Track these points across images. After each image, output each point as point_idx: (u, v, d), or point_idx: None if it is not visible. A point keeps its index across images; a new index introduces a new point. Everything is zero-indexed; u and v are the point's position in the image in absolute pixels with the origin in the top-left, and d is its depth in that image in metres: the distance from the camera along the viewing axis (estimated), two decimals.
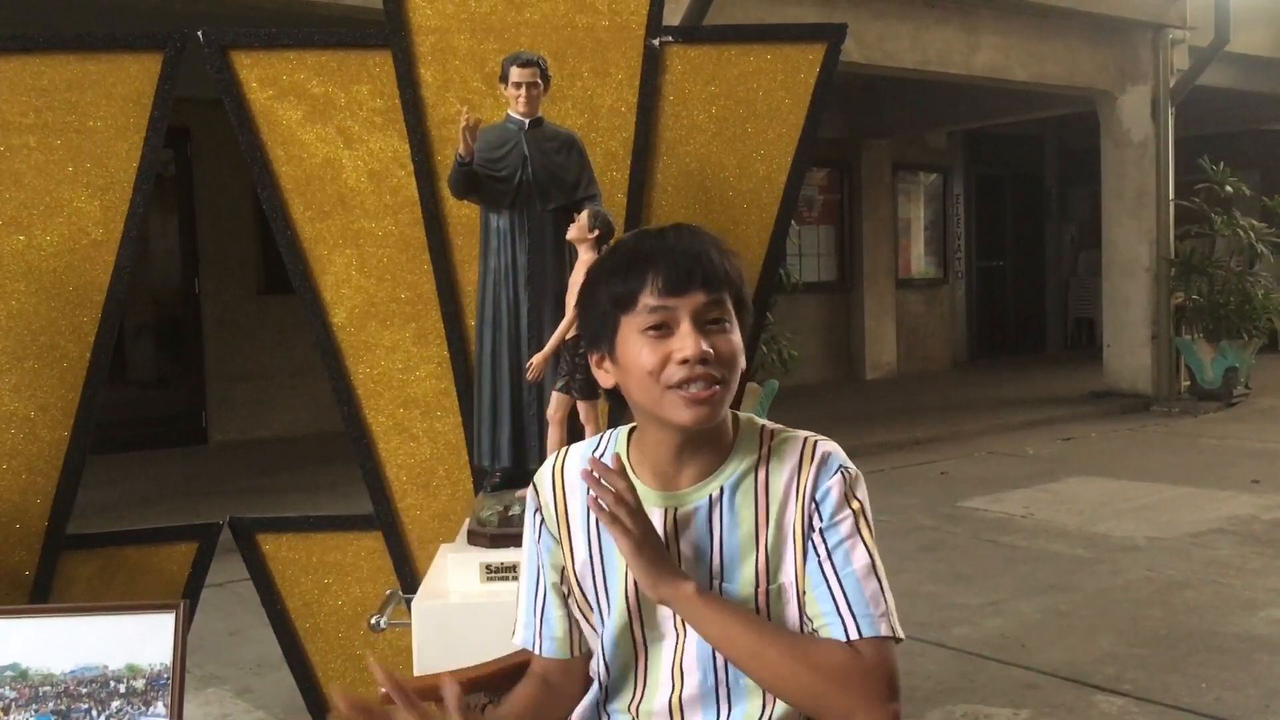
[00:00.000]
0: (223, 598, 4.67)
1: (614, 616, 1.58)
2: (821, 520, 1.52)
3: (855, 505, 1.53)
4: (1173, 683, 3.82)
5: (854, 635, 1.47)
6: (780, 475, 1.54)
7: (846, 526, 1.51)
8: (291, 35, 2.90)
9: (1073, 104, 11.11)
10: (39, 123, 2.79)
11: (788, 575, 1.53)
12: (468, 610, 2.38)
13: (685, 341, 1.46)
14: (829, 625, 1.48)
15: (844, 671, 1.44)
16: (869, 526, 1.54)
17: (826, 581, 1.49)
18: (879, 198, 13.24)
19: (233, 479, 7.66)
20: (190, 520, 3.16)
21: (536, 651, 1.67)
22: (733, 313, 1.52)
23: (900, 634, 1.49)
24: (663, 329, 1.48)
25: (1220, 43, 10.11)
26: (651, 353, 1.48)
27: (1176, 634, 4.31)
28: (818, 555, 1.51)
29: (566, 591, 1.64)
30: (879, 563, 1.52)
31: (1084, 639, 4.29)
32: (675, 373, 1.47)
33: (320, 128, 2.90)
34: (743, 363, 1.53)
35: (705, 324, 1.49)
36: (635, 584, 1.55)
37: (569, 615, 1.65)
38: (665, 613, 1.55)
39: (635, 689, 1.60)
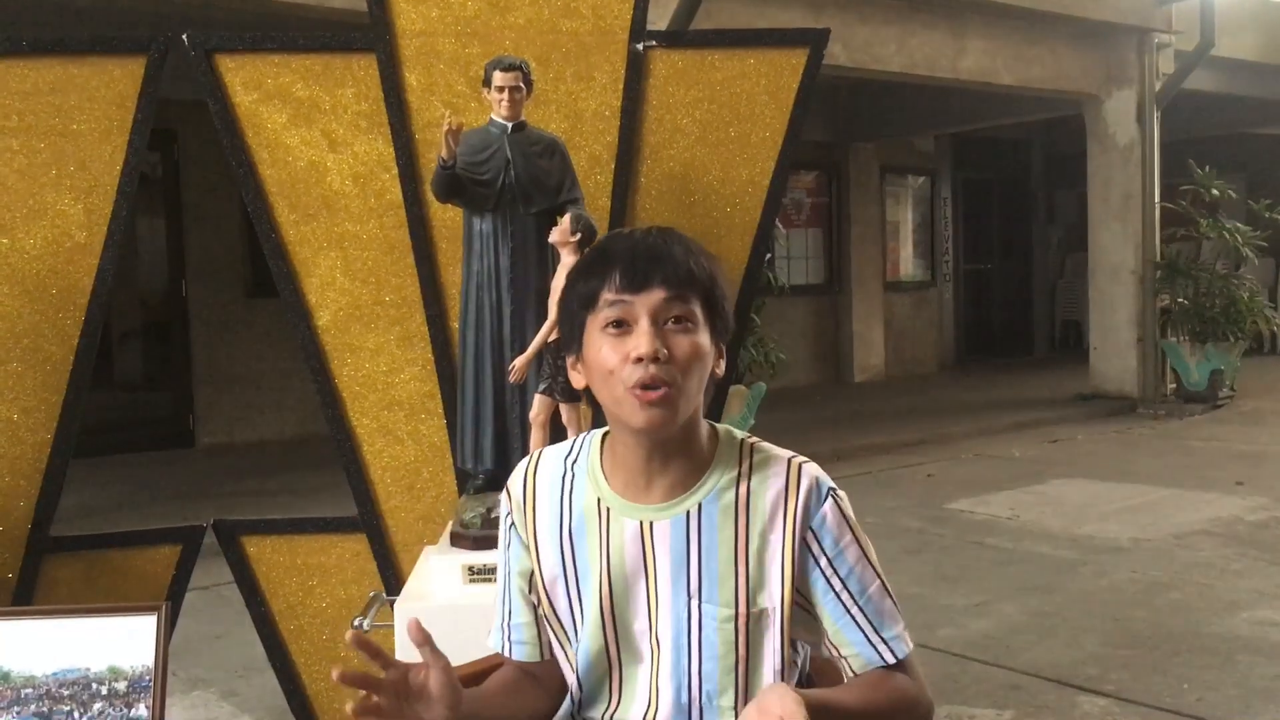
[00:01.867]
0: (208, 601, 4.66)
1: (588, 633, 1.54)
2: (825, 552, 1.51)
3: (853, 528, 1.54)
4: (1156, 683, 3.84)
5: (889, 661, 1.52)
6: (764, 495, 1.51)
7: (853, 553, 1.52)
8: (276, 39, 2.91)
9: (1059, 108, 11.15)
10: (22, 126, 2.79)
11: (771, 600, 1.50)
12: (450, 612, 2.38)
13: (640, 340, 1.43)
14: (861, 656, 1.52)
15: (908, 696, 1.51)
16: (869, 544, 1.55)
17: (849, 613, 1.52)
18: (867, 201, 13.26)
19: (219, 482, 7.64)
20: (177, 523, 3.16)
21: (507, 655, 1.63)
22: (700, 316, 1.47)
23: (912, 643, 1.56)
24: (622, 326, 1.45)
25: (1205, 47, 10.16)
26: (612, 351, 1.45)
27: (1160, 635, 4.33)
28: (833, 589, 1.52)
29: (536, 601, 1.60)
30: (885, 578, 1.55)
31: (1068, 640, 4.31)
32: (631, 373, 1.43)
33: (305, 131, 2.90)
34: (704, 367, 1.48)
35: (665, 323, 1.45)
36: (611, 601, 1.52)
37: (536, 620, 1.61)
38: (641, 633, 1.53)
39: (610, 700, 1.58)
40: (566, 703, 1.63)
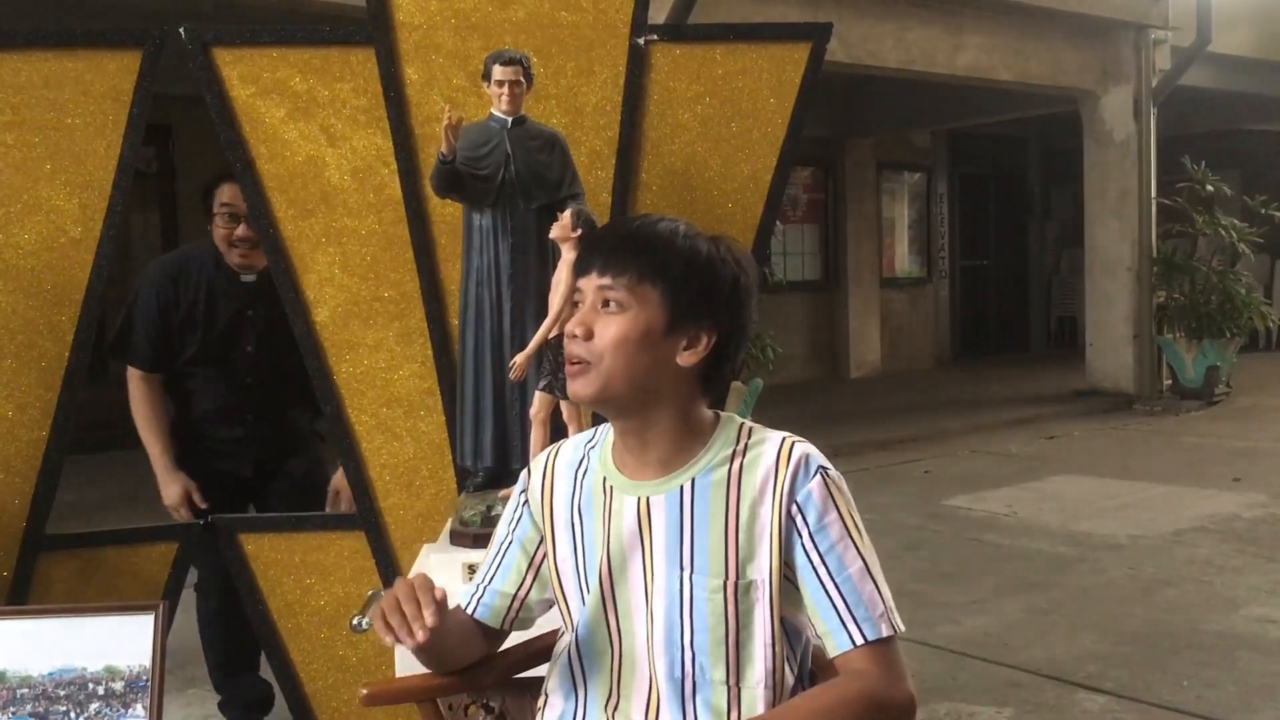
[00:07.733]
0: None
1: (590, 604, 1.61)
2: (808, 525, 1.53)
3: (841, 507, 1.54)
4: (1155, 681, 3.84)
5: (859, 642, 1.50)
6: (755, 472, 1.55)
7: (835, 530, 1.53)
8: (274, 32, 2.88)
9: (1056, 104, 11.16)
10: (16, 120, 2.76)
11: (759, 573, 1.53)
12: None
13: (574, 318, 1.58)
14: (833, 635, 1.52)
15: (872, 702, 1.47)
16: (857, 526, 1.55)
17: (825, 590, 1.52)
18: (863, 197, 13.26)
19: None
20: (173, 521, 3.14)
21: (470, 612, 1.72)
22: (632, 299, 1.53)
23: (901, 627, 1.53)
24: (578, 308, 1.59)
25: (1202, 43, 10.17)
26: None
27: (1158, 632, 4.33)
28: (811, 563, 1.52)
29: (533, 578, 1.70)
30: (872, 561, 1.54)
31: (1066, 637, 4.31)
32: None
33: (303, 125, 2.88)
34: (632, 348, 1.52)
35: (601, 305, 1.56)
36: (611, 578, 1.58)
37: (513, 596, 1.70)
38: (638, 608, 1.57)
39: (611, 683, 1.60)
40: (563, 704, 1.65)
